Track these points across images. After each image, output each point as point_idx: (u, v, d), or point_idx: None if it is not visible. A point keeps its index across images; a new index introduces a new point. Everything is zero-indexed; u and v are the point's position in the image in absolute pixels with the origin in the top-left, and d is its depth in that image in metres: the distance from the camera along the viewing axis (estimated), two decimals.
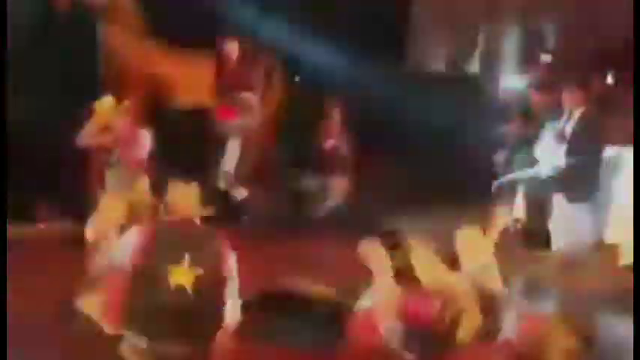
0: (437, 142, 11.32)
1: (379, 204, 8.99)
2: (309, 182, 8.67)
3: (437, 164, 10.73)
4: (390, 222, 8.31)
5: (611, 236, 7.04)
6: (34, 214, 7.66)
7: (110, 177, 7.48)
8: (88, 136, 7.34)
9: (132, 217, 7.34)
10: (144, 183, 7.30)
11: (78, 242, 7.27)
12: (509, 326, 4.11)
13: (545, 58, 9.50)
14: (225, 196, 8.35)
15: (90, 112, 7.33)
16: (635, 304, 3.71)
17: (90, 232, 7.34)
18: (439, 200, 9.09)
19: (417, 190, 9.84)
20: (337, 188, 8.75)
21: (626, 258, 6.42)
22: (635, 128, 5.85)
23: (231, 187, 8.52)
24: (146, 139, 7.44)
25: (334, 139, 8.94)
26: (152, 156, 7.52)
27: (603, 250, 6.94)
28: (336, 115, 8.99)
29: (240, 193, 8.52)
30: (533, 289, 5.86)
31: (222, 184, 8.46)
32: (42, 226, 7.75)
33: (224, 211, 7.97)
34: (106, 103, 7.24)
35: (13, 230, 6.41)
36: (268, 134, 8.98)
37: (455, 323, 4.02)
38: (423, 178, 10.37)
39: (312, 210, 8.49)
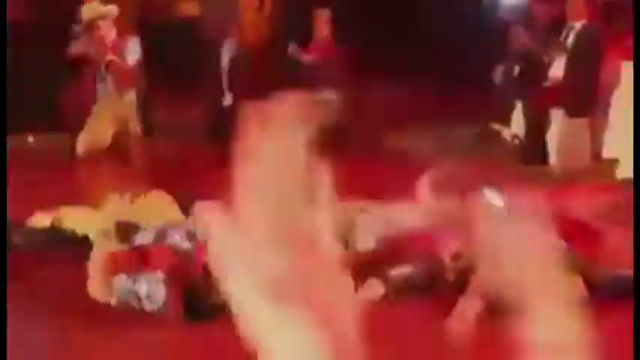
0: (437, 56, 11.21)
1: (379, 122, 8.92)
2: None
3: (438, 78, 10.63)
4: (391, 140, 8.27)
5: (608, 151, 6.97)
6: (22, 127, 7.55)
7: (100, 91, 7.38)
8: (78, 45, 7.22)
9: (121, 130, 7.32)
10: (132, 97, 7.21)
11: (68, 155, 7.24)
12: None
13: None
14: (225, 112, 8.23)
15: (79, 20, 7.20)
16: (635, 303, 3.66)
17: (80, 146, 7.30)
18: (441, 117, 9.04)
19: (418, 107, 9.77)
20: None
21: (623, 172, 6.37)
22: (634, 127, 5.76)
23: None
24: (135, 48, 7.30)
25: (320, 53, 8.67)
26: (140, 66, 7.40)
27: (601, 164, 6.88)
28: (324, 29, 8.73)
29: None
30: (531, 207, 5.79)
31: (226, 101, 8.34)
32: (31, 139, 7.65)
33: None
34: (93, 8, 7.08)
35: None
36: (261, 45, 8.78)
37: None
38: (424, 94, 10.29)
39: None
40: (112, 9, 7.20)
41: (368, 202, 4.91)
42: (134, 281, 3.65)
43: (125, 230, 4.02)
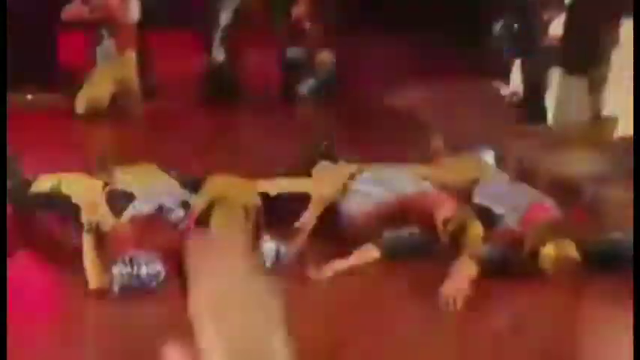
0: (432, 14, 11.14)
1: (374, 80, 8.89)
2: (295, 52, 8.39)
3: (434, 37, 10.57)
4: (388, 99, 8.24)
5: (608, 109, 6.97)
6: (22, 86, 7.53)
7: (99, 52, 7.38)
8: (74, 9, 7.21)
9: (120, 91, 7.34)
10: (132, 57, 7.20)
11: (67, 114, 7.26)
12: (511, 215, 4.11)
13: None
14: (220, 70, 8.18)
15: None
16: (635, 302, 3.69)
17: (80, 106, 7.32)
18: (438, 74, 9.02)
19: (417, 62, 9.73)
20: (321, 63, 8.44)
21: (622, 130, 6.38)
22: (634, 129, 5.74)
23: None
24: (134, 6, 7.29)
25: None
26: (140, 26, 7.38)
27: (600, 123, 6.89)
28: None
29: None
30: (528, 170, 5.83)
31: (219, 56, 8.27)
32: (30, 97, 7.65)
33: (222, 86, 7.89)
34: None
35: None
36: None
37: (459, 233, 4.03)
38: (419, 51, 10.25)
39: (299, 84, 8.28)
40: None
41: (364, 164, 4.92)
42: (133, 264, 3.67)
43: (119, 200, 4.03)
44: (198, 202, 3.70)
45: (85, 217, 3.82)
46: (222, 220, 3.64)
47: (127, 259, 3.68)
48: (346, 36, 8.71)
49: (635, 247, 4.37)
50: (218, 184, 3.81)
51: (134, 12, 7.26)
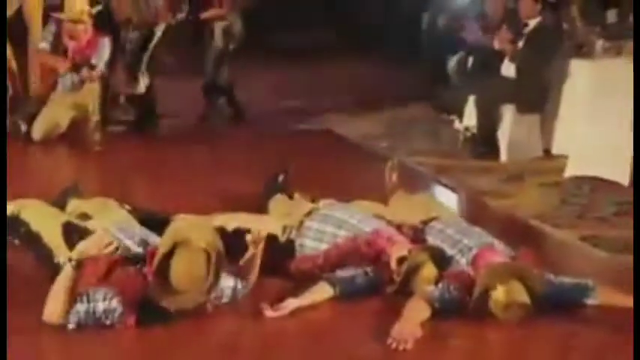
0: (387, 43, 11.30)
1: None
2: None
3: (387, 65, 10.72)
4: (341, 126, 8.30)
5: (558, 147, 7.12)
6: None
7: (62, 80, 7.38)
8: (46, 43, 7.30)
9: (77, 119, 7.33)
10: (94, 89, 7.21)
11: (23, 140, 7.23)
12: (463, 256, 4.19)
13: None
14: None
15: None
16: (635, 302, 3.80)
17: (36, 133, 7.30)
18: (388, 103, 9.14)
19: (368, 88, 9.85)
20: None
21: (571, 169, 6.50)
22: (635, 130, 5.89)
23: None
24: (105, 50, 7.33)
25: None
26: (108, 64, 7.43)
27: (550, 161, 7.03)
28: None
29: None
30: (480, 208, 5.93)
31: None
32: None
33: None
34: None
35: None
36: None
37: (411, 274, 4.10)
38: (371, 79, 10.38)
39: None
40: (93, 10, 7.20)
41: (318, 198, 4.98)
42: (89, 300, 3.68)
43: (75, 233, 4.03)
44: (160, 244, 3.71)
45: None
46: (185, 265, 3.67)
47: (84, 296, 3.68)
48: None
49: (635, 247, 4.48)
50: (180, 225, 3.83)
51: (104, 55, 7.30)
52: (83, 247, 3.81)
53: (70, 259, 3.75)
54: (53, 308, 3.71)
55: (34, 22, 7.55)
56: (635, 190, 5.80)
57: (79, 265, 3.73)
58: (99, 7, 7.46)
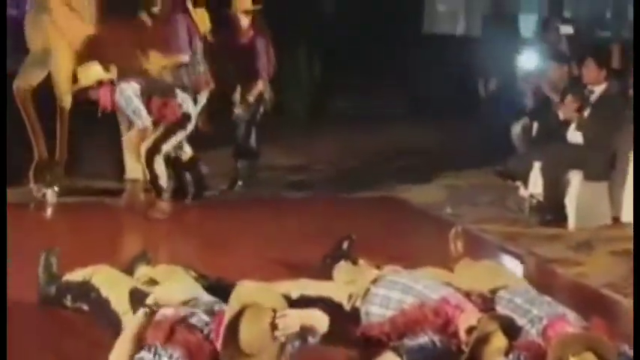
0: (450, 109, 11.30)
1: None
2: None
3: (450, 132, 10.70)
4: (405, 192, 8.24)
5: (627, 215, 6.99)
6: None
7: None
8: None
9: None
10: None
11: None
12: (533, 327, 4.09)
13: (566, 29, 9.34)
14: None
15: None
16: (635, 303, 3.68)
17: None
18: (450, 168, 9.10)
19: (426, 156, 9.83)
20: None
21: None
22: (635, 130, 5.80)
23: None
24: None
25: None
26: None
27: (619, 229, 6.90)
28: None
29: None
30: (549, 276, 5.82)
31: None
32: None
33: None
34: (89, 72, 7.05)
35: None
36: None
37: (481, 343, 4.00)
38: (434, 144, 10.36)
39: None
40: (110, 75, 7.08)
41: (383, 265, 4.92)
42: (156, 353, 3.64)
43: (142, 299, 4.04)
44: (228, 308, 3.69)
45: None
46: (254, 328, 3.63)
47: (152, 347, 3.65)
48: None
49: (635, 247, 4.34)
50: (247, 288, 3.81)
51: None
52: (160, 293, 3.82)
53: (144, 305, 3.77)
54: (119, 353, 3.71)
55: (62, 87, 7.44)
56: (635, 191, 5.60)
57: (151, 314, 3.73)
58: None
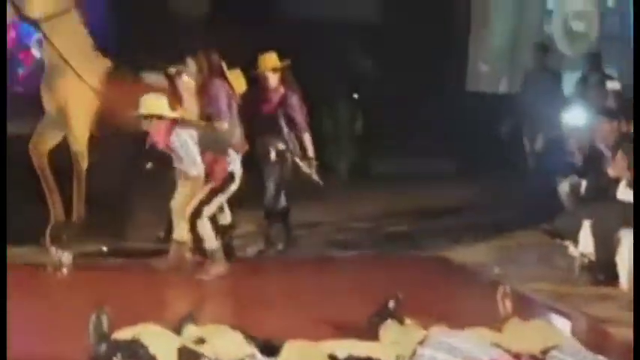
0: (496, 168, 11.22)
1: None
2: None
3: (496, 190, 10.62)
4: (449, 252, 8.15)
5: None
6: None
7: None
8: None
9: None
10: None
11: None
12: None
13: (613, 85, 9.26)
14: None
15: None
16: (635, 304, 3.55)
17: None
18: (497, 228, 9.00)
19: (473, 216, 9.74)
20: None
21: None
22: (635, 131, 5.66)
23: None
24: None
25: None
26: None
27: None
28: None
29: None
30: (601, 336, 5.67)
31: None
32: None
33: None
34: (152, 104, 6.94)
35: None
36: None
37: None
38: (481, 203, 10.28)
39: None
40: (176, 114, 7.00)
41: (433, 326, 4.84)
42: None
43: (190, 357, 4.02)
44: None
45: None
46: None
47: None
48: None
49: (635, 247, 4.18)
50: (294, 349, 3.77)
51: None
52: (217, 350, 3.78)
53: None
54: None
55: (78, 147, 7.39)
56: (636, 191, 5.41)
57: None
58: None
